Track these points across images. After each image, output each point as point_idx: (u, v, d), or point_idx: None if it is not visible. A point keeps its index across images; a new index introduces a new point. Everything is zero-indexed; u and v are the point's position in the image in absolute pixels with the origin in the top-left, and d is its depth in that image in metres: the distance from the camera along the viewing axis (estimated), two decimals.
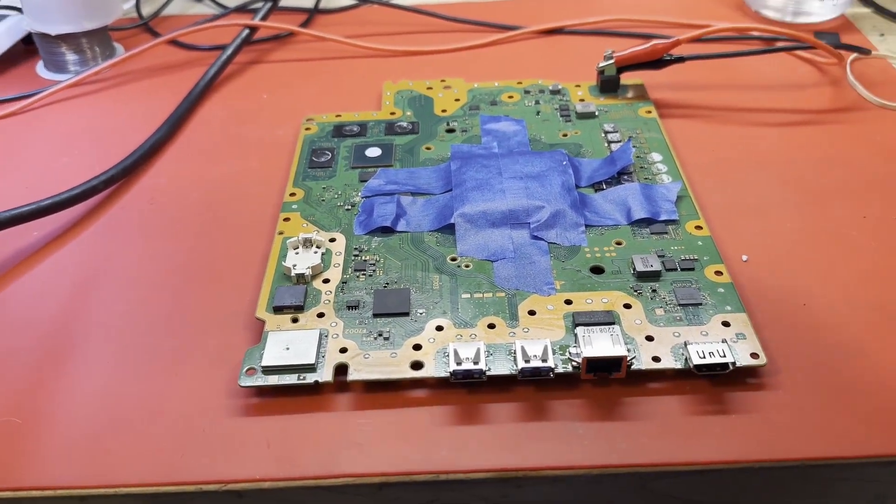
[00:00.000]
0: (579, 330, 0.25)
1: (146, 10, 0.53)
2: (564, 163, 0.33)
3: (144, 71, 0.46)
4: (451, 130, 0.37)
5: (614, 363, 0.24)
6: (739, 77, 0.42)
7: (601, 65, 0.39)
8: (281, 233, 0.31)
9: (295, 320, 0.27)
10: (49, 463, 0.23)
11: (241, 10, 0.52)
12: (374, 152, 0.35)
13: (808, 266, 0.29)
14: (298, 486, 0.23)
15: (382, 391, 0.25)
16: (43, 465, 0.23)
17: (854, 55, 0.42)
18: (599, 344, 0.24)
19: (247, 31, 0.46)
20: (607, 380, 0.25)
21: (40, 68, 0.47)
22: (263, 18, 0.48)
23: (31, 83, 0.45)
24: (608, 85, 0.39)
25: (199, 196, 0.35)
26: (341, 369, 0.25)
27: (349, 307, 0.27)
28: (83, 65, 0.46)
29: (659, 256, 0.29)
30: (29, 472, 0.23)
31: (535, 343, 0.25)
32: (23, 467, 0.23)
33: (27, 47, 0.49)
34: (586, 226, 0.30)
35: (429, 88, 0.41)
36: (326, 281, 0.28)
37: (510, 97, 0.39)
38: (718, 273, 0.28)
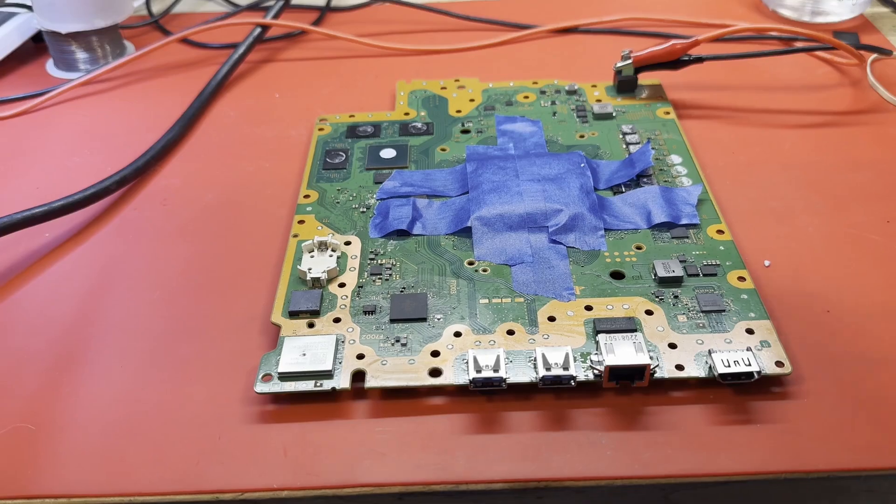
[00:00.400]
0: (601, 337, 0.25)
1: (157, 8, 0.52)
2: (582, 165, 0.32)
3: (155, 70, 0.45)
4: (466, 131, 0.37)
5: (637, 371, 0.24)
6: (759, 78, 0.41)
7: (618, 65, 0.38)
8: (295, 235, 0.30)
9: (311, 325, 0.26)
10: (63, 470, 0.23)
11: (252, 8, 0.52)
12: (388, 153, 0.35)
13: (832, 271, 0.29)
14: (316, 495, 0.22)
15: (400, 398, 0.24)
16: (56, 472, 0.23)
17: (874, 56, 0.41)
18: (622, 352, 0.24)
19: (259, 30, 0.46)
20: (629, 388, 0.24)
21: (50, 67, 0.46)
22: (275, 17, 0.48)
23: (41, 82, 0.44)
24: (625, 85, 0.39)
25: (212, 197, 0.34)
26: (358, 376, 0.25)
27: (366, 312, 0.27)
28: (93, 63, 0.45)
29: (680, 261, 0.28)
30: (42, 479, 0.23)
31: (557, 350, 0.24)
32: (36, 474, 0.23)
33: (37, 45, 0.48)
34: (605, 230, 0.30)
35: (443, 88, 0.40)
36: (342, 285, 0.28)
37: (526, 97, 0.39)
38: (741, 279, 0.27)
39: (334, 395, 0.24)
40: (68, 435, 0.24)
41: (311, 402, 0.24)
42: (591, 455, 0.23)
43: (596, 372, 0.24)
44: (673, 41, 0.38)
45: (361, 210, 0.32)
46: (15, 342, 0.27)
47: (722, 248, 0.29)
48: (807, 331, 0.26)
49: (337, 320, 0.26)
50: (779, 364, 0.24)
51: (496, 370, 0.24)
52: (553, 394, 0.24)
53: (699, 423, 0.23)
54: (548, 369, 0.24)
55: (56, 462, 0.23)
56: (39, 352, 0.27)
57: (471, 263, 0.29)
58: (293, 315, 0.27)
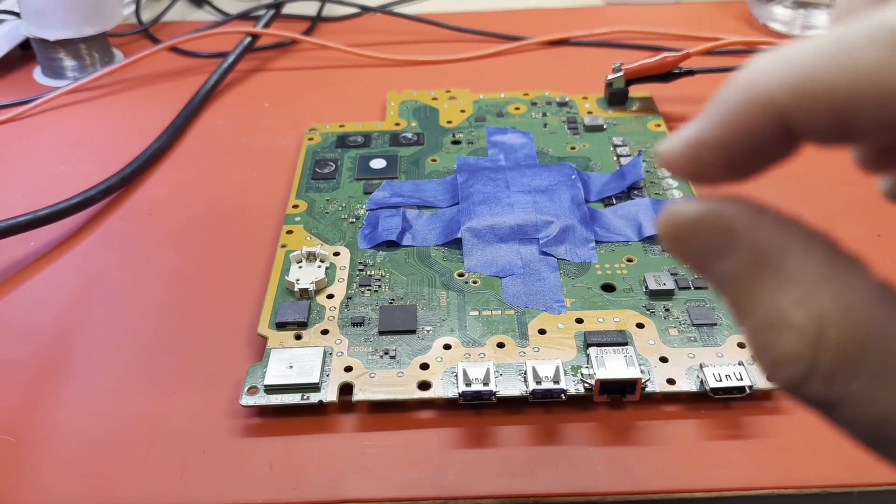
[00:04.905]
0: (592, 350, 0.24)
1: (146, 16, 0.52)
2: (573, 177, 0.32)
3: (144, 78, 0.45)
4: (456, 142, 0.37)
5: (628, 385, 0.24)
6: None
7: (609, 77, 0.38)
8: (284, 246, 0.30)
9: (298, 337, 0.26)
10: (44, 483, 0.22)
11: (242, 17, 0.51)
12: (378, 164, 0.35)
13: None
14: None
15: (389, 412, 0.24)
16: (37, 485, 0.22)
17: None
18: (613, 365, 0.24)
19: (249, 39, 0.45)
20: (620, 402, 0.24)
21: (38, 74, 0.46)
22: (266, 26, 0.48)
23: (29, 89, 0.44)
24: (616, 97, 0.39)
25: (199, 207, 0.34)
26: (346, 389, 0.24)
27: (354, 324, 0.26)
28: (82, 71, 0.45)
29: (672, 274, 0.28)
30: (23, 492, 0.22)
31: (547, 363, 0.24)
32: (17, 487, 0.22)
33: (25, 53, 0.48)
34: (596, 242, 0.30)
35: (434, 99, 0.40)
36: (331, 296, 0.28)
37: (517, 109, 0.39)
38: None
39: (321, 408, 0.24)
40: (49, 447, 0.23)
41: (297, 415, 0.24)
42: (581, 470, 0.22)
43: (587, 386, 0.24)
44: (664, 54, 0.38)
45: (351, 220, 0.31)
46: None
47: None
48: None
49: (325, 332, 0.26)
50: None
51: (486, 383, 0.23)
52: (543, 408, 0.24)
53: (691, 438, 0.23)
54: (538, 383, 0.23)
55: (37, 475, 0.23)
56: (22, 362, 0.26)
57: (461, 275, 0.28)
58: (280, 326, 0.26)
